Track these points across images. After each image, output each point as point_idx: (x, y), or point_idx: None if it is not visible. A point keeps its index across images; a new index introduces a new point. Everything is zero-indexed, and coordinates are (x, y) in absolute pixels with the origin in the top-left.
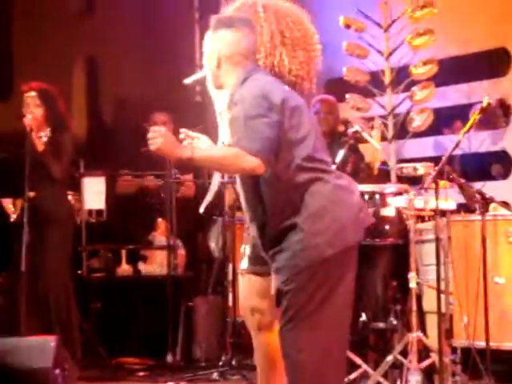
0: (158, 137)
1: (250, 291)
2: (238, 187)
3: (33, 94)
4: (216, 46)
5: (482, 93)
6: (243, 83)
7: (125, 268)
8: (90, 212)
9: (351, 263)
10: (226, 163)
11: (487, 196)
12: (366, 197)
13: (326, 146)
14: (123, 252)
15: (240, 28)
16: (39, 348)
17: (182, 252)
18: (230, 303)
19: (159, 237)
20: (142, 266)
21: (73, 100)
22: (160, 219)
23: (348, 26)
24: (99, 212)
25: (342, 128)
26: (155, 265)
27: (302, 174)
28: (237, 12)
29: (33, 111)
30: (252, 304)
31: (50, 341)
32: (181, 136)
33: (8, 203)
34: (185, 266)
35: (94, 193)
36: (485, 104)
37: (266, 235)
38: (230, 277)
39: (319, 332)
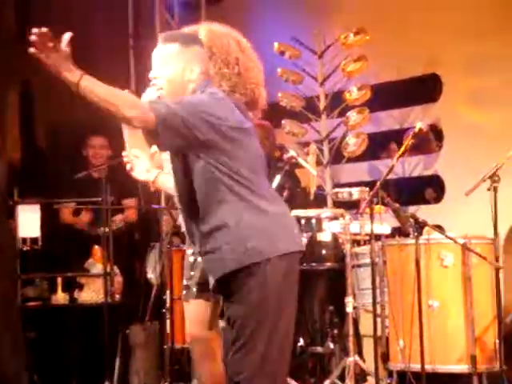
0: (52, 50)
1: (196, 318)
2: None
3: None
4: (184, 59)
5: (414, 118)
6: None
7: (60, 296)
8: (24, 240)
9: (290, 275)
10: (112, 101)
11: (421, 220)
12: (303, 222)
13: None
14: (59, 280)
15: (201, 45)
16: None
17: (118, 279)
18: (168, 330)
19: (95, 264)
20: (78, 294)
21: (6, 126)
22: (96, 246)
23: (283, 53)
24: (34, 240)
25: (277, 153)
26: (92, 292)
27: (239, 187)
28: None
29: None
30: (197, 331)
31: None
32: (124, 159)
33: None
34: (122, 293)
35: (28, 220)
36: (417, 129)
37: (200, 232)
38: (168, 304)
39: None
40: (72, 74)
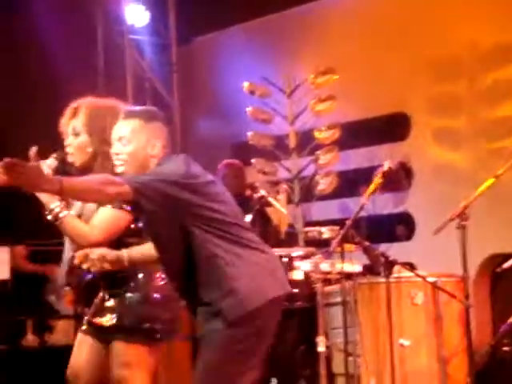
0: (20, 169)
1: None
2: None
3: None
4: (145, 135)
5: (383, 156)
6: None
7: (30, 339)
8: None
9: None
10: (93, 189)
11: (391, 258)
12: None
13: None
14: (29, 322)
15: (161, 120)
16: None
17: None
18: None
19: (66, 306)
20: (48, 337)
21: None
22: (67, 288)
23: (252, 92)
24: (4, 283)
25: (248, 192)
26: (62, 334)
27: (219, 239)
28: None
29: None
30: (83, 366)
31: None
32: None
33: None
34: None
35: None
36: (386, 168)
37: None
38: None
39: None
40: (52, 184)
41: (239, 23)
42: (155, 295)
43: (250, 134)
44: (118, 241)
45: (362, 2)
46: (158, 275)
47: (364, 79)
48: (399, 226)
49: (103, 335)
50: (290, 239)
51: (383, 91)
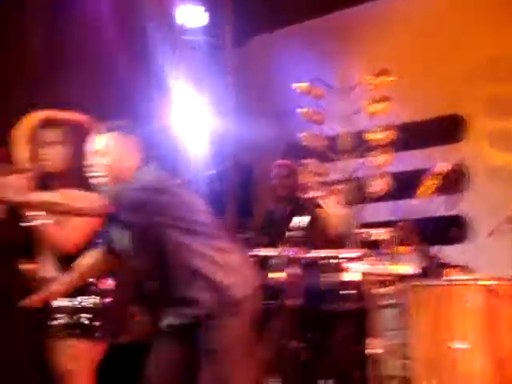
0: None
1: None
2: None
3: None
4: (122, 148)
5: (438, 158)
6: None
7: None
8: None
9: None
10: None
11: (445, 260)
12: (325, 262)
13: (285, 211)
14: None
15: (136, 134)
16: None
17: None
18: None
19: None
20: None
21: None
22: None
23: (307, 93)
24: None
25: (300, 193)
26: None
27: (192, 236)
28: None
29: None
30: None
31: None
32: None
33: None
34: None
35: None
36: (440, 170)
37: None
38: None
39: None
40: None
41: (295, 24)
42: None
43: (302, 134)
44: None
45: (419, 2)
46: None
47: (420, 80)
48: (452, 229)
49: None
50: (342, 241)
51: (439, 93)
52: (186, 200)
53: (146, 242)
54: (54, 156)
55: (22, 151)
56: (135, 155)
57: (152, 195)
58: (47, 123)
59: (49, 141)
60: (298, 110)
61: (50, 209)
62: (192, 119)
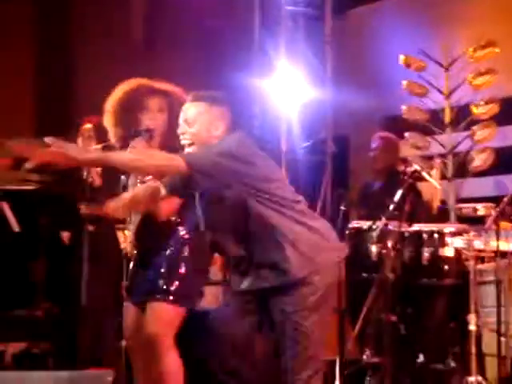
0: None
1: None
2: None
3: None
4: (209, 117)
5: None
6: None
7: None
8: None
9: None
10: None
11: None
12: (425, 236)
13: (383, 185)
14: None
15: (226, 104)
16: (96, 381)
17: None
18: None
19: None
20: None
21: None
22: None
23: (408, 65)
24: None
25: (401, 166)
26: (210, 299)
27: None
28: None
29: None
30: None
31: (107, 374)
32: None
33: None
34: None
35: None
36: None
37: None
38: None
39: None
40: (91, 154)
41: None
42: None
43: (404, 107)
44: None
45: None
46: None
47: None
48: None
49: None
50: (442, 215)
51: None
52: (264, 171)
53: (223, 209)
54: (161, 123)
55: (112, 116)
56: (223, 124)
57: (230, 159)
58: (153, 92)
59: (157, 108)
60: (400, 83)
61: (128, 166)
62: (290, 89)
